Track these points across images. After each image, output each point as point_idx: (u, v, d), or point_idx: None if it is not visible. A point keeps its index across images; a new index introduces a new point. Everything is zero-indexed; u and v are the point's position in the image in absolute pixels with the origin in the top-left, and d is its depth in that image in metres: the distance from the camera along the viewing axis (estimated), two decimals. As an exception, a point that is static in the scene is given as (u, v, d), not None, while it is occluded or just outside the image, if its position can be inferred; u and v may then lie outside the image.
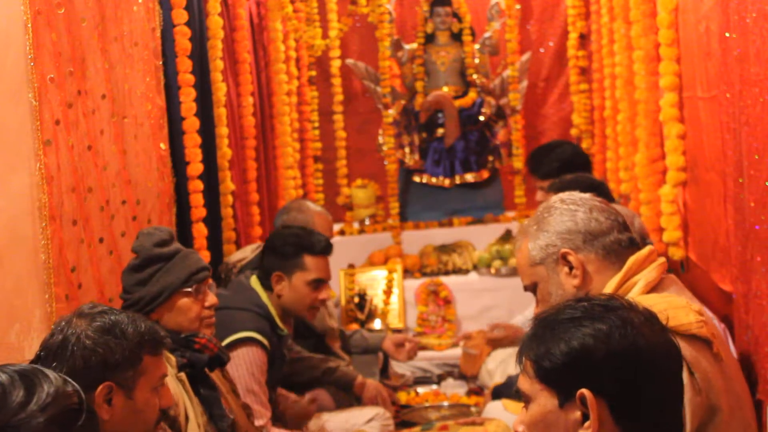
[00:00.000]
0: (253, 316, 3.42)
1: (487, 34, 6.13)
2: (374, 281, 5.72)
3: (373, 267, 5.81)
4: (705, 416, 1.95)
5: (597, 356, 1.49)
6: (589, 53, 5.96)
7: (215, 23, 4.35)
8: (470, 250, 5.85)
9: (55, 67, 2.79)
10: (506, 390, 3.80)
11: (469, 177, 6.08)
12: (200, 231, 3.89)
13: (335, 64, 6.31)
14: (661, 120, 3.70)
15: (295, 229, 3.69)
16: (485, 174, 6.10)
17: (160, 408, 2.10)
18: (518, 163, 6.05)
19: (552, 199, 2.36)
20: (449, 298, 5.56)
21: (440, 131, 6.06)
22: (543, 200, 4.08)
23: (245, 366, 3.28)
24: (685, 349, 1.96)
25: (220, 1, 4.42)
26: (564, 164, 4.29)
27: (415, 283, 5.66)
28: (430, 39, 6.20)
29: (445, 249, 5.90)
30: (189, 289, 2.78)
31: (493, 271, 5.63)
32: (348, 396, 4.09)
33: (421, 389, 4.74)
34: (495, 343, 4.51)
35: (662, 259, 2.24)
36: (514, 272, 5.60)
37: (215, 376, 2.86)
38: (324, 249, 3.57)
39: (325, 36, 6.07)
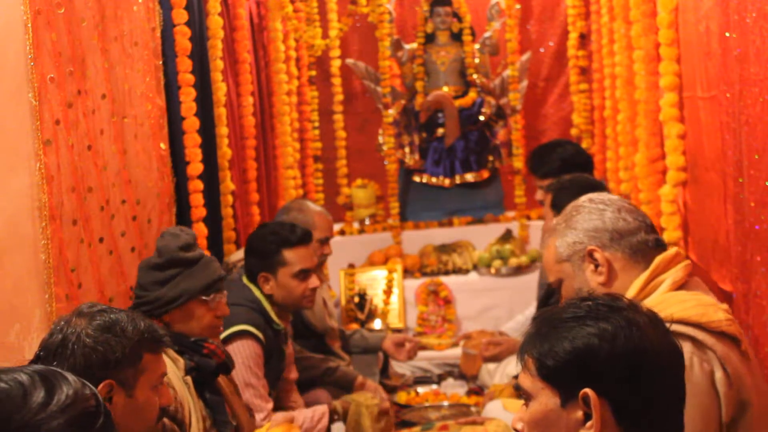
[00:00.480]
0: (246, 310, 3.41)
1: (487, 34, 6.12)
2: (374, 281, 5.72)
3: (373, 267, 5.81)
4: (736, 411, 1.97)
5: (601, 356, 1.48)
6: (589, 53, 5.96)
7: (215, 23, 4.35)
8: (470, 250, 5.85)
9: (55, 66, 2.79)
10: None
11: (469, 177, 6.07)
12: (200, 231, 3.89)
13: (335, 64, 6.31)
14: (661, 120, 3.70)
15: (270, 227, 3.67)
16: (485, 174, 6.09)
17: (159, 406, 2.10)
18: (518, 163, 6.05)
19: (581, 198, 2.38)
20: (449, 298, 5.57)
21: (440, 131, 6.06)
22: (542, 200, 4.11)
23: (241, 359, 3.27)
24: (716, 345, 2.00)
25: (220, 1, 4.42)
26: (565, 164, 4.25)
27: (415, 283, 5.67)
28: (430, 39, 6.20)
29: (445, 249, 5.89)
30: (206, 298, 2.78)
31: (493, 271, 5.63)
32: (348, 396, 4.09)
33: (421, 389, 4.73)
34: (492, 359, 4.46)
35: (688, 261, 2.25)
36: (514, 272, 5.61)
37: (220, 377, 2.85)
38: (300, 239, 3.54)
39: (325, 36, 6.07)
